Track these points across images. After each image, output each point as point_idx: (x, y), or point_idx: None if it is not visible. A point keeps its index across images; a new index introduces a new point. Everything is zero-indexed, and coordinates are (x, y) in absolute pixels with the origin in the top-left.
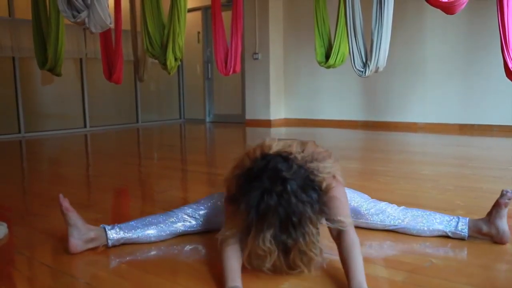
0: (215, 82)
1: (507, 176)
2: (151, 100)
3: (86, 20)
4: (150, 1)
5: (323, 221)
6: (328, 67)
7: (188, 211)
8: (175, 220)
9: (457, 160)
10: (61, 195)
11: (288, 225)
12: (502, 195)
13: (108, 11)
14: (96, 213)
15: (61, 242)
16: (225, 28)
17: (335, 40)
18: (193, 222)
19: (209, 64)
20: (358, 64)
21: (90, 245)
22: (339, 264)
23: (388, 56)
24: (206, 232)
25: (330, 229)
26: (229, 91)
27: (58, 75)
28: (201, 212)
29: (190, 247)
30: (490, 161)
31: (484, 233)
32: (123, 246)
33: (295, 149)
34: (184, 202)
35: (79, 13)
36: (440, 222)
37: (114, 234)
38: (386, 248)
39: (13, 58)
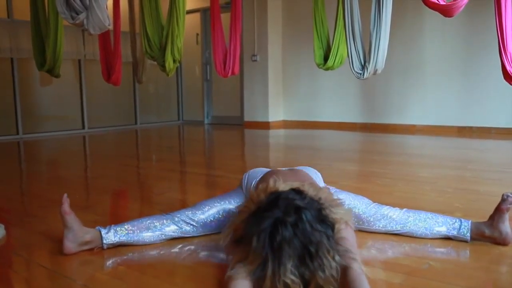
0: (213, 83)
1: (506, 178)
2: (150, 101)
3: (85, 21)
4: (149, 2)
5: (337, 257)
6: (327, 69)
7: (185, 216)
8: (171, 224)
9: (456, 163)
10: (65, 195)
11: (305, 257)
12: (503, 200)
13: (107, 13)
14: (95, 215)
15: (59, 244)
16: (224, 29)
17: (334, 42)
18: (190, 227)
19: (208, 66)
20: (357, 66)
21: (85, 247)
22: None
23: (386, 58)
24: (204, 234)
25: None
26: (228, 93)
27: (57, 76)
28: (199, 217)
29: (188, 248)
30: (489, 164)
31: (486, 236)
32: (120, 247)
33: (306, 188)
34: (183, 204)
35: (77, 14)
36: (442, 225)
37: (110, 237)
38: (384, 250)
39: (12, 59)
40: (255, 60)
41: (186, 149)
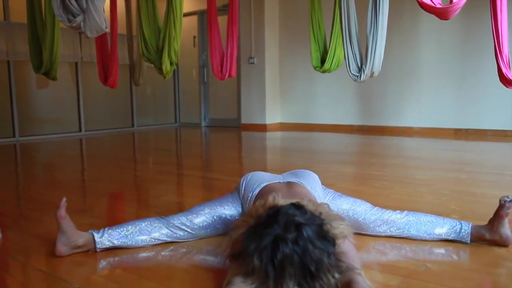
0: (210, 86)
1: (502, 180)
2: (147, 104)
3: (82, 24)
4: (146, 5)
5: (336, 275)
6: (324, 71)
7: (179, 222)
8: (165, 229)
9: (452, 165)
10: (63, 200)
11: (305, 275)
12: (501, 206)
13: (104, 16)
14: (91, 218)
15: (55, 247)
16: (221, 32)
17: (331, 45)
18: (184, 233)
19: (205, 68)
20: (353, 69)
21: (77, 251)
22: None
23: (383, 61)
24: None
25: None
26: (225, 96)
27: (54, 79)
28: (193, 223)
29: (184, 251)
30: (485, 166)
31: (486, 239)
32: (116, 250)
33: (306, 202)
34: (180, 206)
35: (74, 17)
36: (443, 228)
37: (103, 241)
38: (382, 252)
39: (8, 62)
40: (252, 63)
41: (183, 151)
